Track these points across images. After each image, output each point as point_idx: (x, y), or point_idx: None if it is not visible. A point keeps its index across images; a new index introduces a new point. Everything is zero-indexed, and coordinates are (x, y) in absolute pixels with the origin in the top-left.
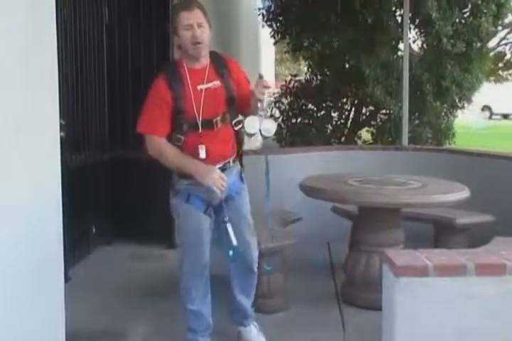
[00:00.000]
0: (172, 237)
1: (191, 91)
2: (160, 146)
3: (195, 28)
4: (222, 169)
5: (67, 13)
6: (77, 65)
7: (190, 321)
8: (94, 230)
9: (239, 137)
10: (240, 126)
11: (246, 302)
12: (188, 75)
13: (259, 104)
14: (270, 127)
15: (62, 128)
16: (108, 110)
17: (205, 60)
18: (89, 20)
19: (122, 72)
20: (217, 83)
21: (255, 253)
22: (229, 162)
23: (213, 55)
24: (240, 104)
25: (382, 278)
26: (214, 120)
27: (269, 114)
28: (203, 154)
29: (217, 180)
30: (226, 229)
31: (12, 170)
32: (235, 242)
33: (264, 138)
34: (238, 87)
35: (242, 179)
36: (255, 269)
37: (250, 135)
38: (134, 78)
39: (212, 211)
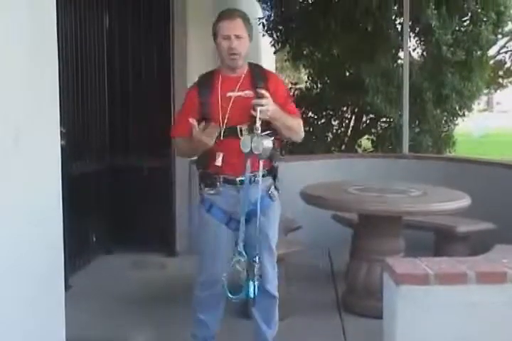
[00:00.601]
0: (172, 245)
1: (219, 97)
2: (177, 142)
3: (233, 39)
4: (245, 182)
5: (67, 19)
6: (78, 72)
7: (195, 329)
8: (94, 238)
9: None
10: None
11: (266, 330)
12: (220, 82)
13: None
14: (258, 145)
15: (62, 136)
16: (109, 117)
17: (241, 70)
18: (90, 25)
19: (123, 79)
20: (248, 92)
21: (272, 274)
22: (255, 176)
23: (253, 66)
24: None
25: (383, 286)
26: (239, 127)
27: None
28: (218, 161)
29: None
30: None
31: (12, 177)
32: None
33: (257, 156)
34: (274, 100)
35: (271, 196)
36: (275, 293)
37: (245, 154)
38: (134, 84)
39: (235, 224)
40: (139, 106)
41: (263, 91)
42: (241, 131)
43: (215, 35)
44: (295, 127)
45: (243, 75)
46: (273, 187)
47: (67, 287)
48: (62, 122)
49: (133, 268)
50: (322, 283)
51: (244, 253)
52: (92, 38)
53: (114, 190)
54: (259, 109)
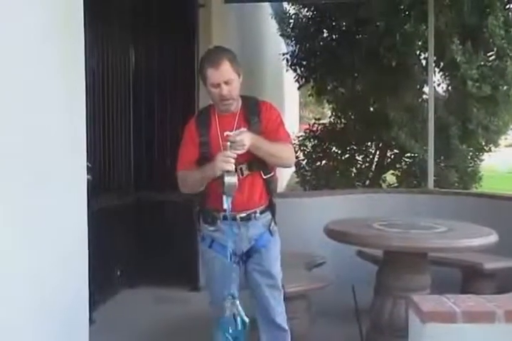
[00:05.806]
0: (195, 280)
1: (219, 137)
2: (181, 175)
3: (223, 86)
4: (246, 219)
5: (94, 55)
6: (104, 107)
7: None
8: (118, 273)
9: (269, 186)
10: (270, 174)
11: None
12: (217, 121)
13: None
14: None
15: (88, 170)
16: (134, 153)
17: (236, 107)
18: (116, 61)
19: (148, 114)
20: (243, 130)
21: (279, 308)
22: (255, 212)
23: (245, 101)
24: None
25: (409, 323)
26: (239, 167)
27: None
28: (225, 205)
29: (222, 161)
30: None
31: (39, 211)
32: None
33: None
34: (265, 133)
35: (271, 232)
36: (283, 325)
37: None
38: (159, 119)
39: (237, 260)
40: (163, 141)
41: (230, 134)
42: (241, 170)
43: (203, 81)
44: (280, 153)
45: (238, 111)
46: (273, 222)
47: (90, 322)
48: (89, 157)
49: (156, 303)
50: (346, 319)
51: (236, 294)
52: (118, 73)
53: (138, 224)
54: (228, 144)
